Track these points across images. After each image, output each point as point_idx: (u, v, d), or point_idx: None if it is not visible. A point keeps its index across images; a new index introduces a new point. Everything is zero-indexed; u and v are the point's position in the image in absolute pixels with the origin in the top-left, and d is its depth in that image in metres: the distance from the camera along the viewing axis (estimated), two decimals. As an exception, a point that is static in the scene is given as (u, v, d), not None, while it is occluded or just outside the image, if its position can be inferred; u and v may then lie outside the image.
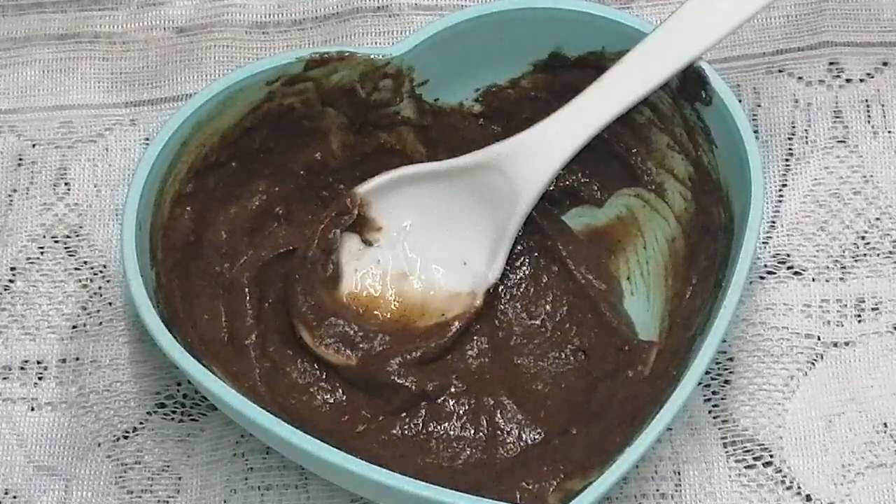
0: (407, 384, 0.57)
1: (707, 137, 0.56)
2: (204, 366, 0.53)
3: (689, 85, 0.56)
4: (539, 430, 0.57)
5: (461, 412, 0.57)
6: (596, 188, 0.60)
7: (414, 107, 0.60)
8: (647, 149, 0.59)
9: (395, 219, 0.59)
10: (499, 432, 0.57)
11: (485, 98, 0.60)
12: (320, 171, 0.60)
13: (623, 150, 0.59)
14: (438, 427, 0.57)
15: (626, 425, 0.52)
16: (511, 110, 0.60)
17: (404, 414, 0.57)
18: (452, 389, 0.58)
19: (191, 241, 0.58)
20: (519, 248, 0.60)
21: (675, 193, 0.58)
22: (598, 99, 0.56)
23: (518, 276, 0.60)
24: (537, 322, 0.59)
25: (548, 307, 0.59)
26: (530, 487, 0.53)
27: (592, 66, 0.57)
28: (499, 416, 0.57)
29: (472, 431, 0.57)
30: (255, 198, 0.59)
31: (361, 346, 0.58)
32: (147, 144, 0.61)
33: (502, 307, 0.59)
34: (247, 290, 0.59)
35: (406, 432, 0.57)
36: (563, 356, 0.58)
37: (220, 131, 0.57)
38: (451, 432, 0.57)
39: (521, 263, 0.60)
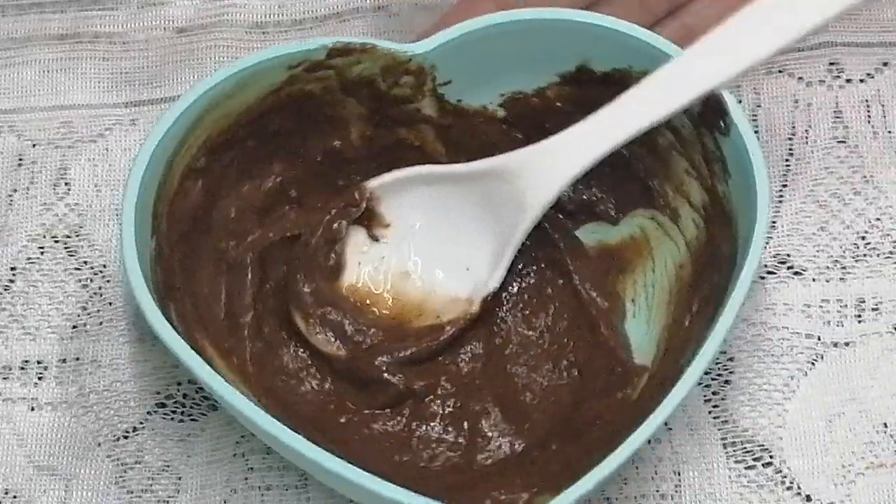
0: (394, 381, 0.57)
1: (723, 167, 0.56)
2: (195, 339, 0.54)
3: (710, 113, 0.55)
4: (520, 442, 0.56)
5: (445, 414, 0.57)
6: (612, 206, 0.60)
7: (435, 106, 0.59)
8: (667, 173, 0.58)
9: (404, 217, 0.59)
10: (479, 439, 0.57)
11: (509, 104, 0.60)
12: (338, 160, 0.60)
13: (643, 171, 0.59)
14: (421, 427, 0.57)
15: (604, 447, 0.51)
16: (534, 119, 0.60)
17: (389, 410, 0.57)
18: (439, 391, 0.57)
19: (199, 215, 0.58)
20: (528, 257, 0.59)
21: (689, 220, 0.58)
22: (613, 119, 0.55)
23: (523, 286, 0.60)
24: (535, 333, 0.59)
25: (548, 320, 0.59)
26: (501, 498, 0.53)
27: (618, 83, 0.57)
28: (483, 422, 0.57)
29: (454, 435, 0.57)
30: (269, 179, 0.59)
31: (353, 338, 0.58)
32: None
33: (502, 315, 0.59)
34: (249, 269, 0.59)
35: (388, 429, 0.57)
36: (557, 370, 0.58)
37: (239, 109, 0.57)
38: (433, 433, 0.57)
39: (527, 273, 0.60)
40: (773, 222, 0.60)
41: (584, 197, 0.60)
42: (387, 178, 0.59)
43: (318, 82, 0.58)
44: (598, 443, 0.52)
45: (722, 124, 0.55)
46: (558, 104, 0.59)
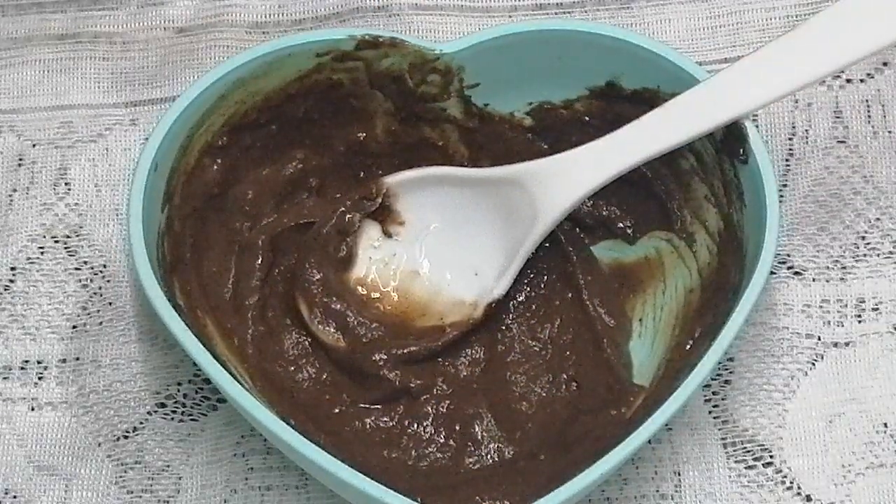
0: (390, 377, 0.57)
1: (739, 196, 0.56)
2: (197, 316, 0.54)
3: (731, 140, 0.56)
4: (510, 449, 0.57)
5: (438, 415, 0.57)
6: (630, 225, 0.60)
7: (461, 107, 0.60)
8: (686, 196, 0.59)
9: (419, 217, 0.59)
10: (470, 443, 0.57)
11: (536, 113, 0.60)
12: (361, 153, 0.60)
13: (664, 193, 0.59)
14: (413, 425, 0.57)
15: (590, 462, 0.51)
16: (561, 130, 0.60)
17: (383, 405, 0.57)
18: (436, 391, 0.58)
19: (215, 193, 0.58)
20: (539, 268, 0.59)
21: (703, 246, 0.58)
22: (633, 139, 0.55)
23: (532, 295, 0.59)
24: (538, 344, 0.59)
25: (553, 331, 0.59)
26: (484, 503, 0.53)
27: (646, 102, 0.57)
28: (475, 427, 0.57)
29: (444, 436, 0.57)
30: (290, 165, 0.60)
31: (355, 331, 0.58)
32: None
33: (508, 322, 0.59)
34: (260, 252, 0.59)
35: (380, 424, 0.57)
36: (556, 383, 0.58)
37: (264, 92, 0.58)
38: (424, 433, 0.57)
39: (538, 283, 0.60)
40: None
41: (604, 213, 0.60)
42: (405, 175, 0.59)
43: (346, 73, 0.58)
44: (585, 457, 0.52)
45: (741, 152, 0.55)
46: (587, 118, 0.59)
